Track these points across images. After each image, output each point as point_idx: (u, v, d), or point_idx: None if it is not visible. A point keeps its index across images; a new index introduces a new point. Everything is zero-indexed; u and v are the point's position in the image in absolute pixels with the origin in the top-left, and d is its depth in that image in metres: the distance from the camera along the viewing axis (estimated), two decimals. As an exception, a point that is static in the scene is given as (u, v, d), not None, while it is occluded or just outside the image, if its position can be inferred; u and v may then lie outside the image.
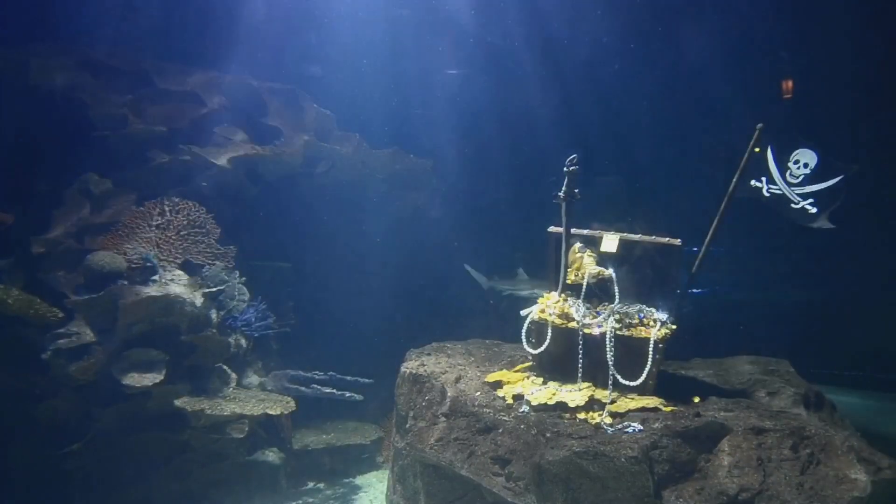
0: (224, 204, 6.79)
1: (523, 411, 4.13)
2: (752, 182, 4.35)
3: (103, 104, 6.42)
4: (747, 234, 7.10)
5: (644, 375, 4.09)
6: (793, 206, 4.31)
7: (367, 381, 6.35)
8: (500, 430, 4.05)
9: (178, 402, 5.55)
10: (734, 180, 4.33)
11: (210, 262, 6.34)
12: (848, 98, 6.97)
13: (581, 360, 4.24)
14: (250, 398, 5.97)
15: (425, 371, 4.80)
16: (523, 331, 4.51)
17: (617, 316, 4.22)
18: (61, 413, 5.48)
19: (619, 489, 3.54)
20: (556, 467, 3.67)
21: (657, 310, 4.29)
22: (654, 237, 4.39)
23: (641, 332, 4.18)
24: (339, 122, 7.78)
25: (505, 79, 8.52)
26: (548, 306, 4.45)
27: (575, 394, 4.15)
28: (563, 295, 4.49)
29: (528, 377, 4.52)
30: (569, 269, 4.49)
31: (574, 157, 4.25)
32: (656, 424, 3.76)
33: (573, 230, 4.50)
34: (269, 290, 6.79)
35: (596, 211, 4.83)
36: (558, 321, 4.34)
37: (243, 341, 6.28)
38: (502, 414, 4.14)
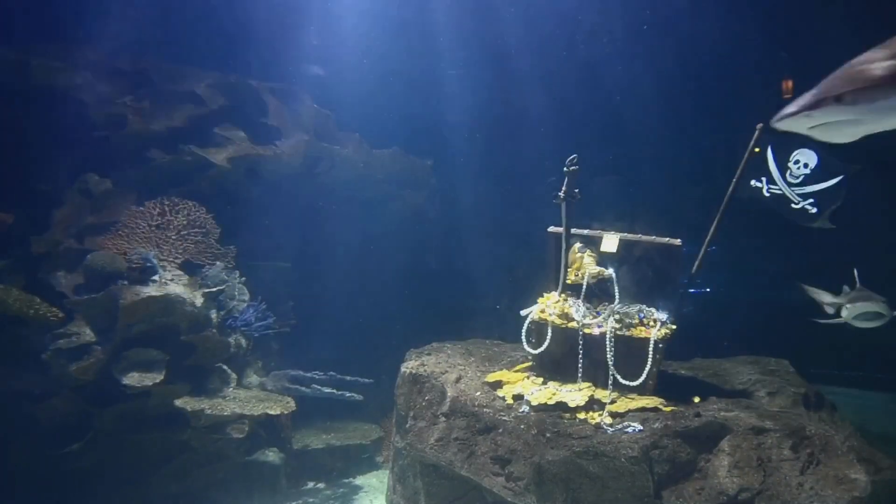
0: (224, 204, 6.79)
1: (523, 411, 4.13)
2: (752, 182, 4.35)
3: (103, 104, 6.43)
4: (746, 234, 7.09)
5: (644, 375, 4.09)
6: (793, 206, 4.31)
7: (367, 381, 6.35)
8: (500, 430, 4.05)
9: (178, 402, 5.55)
10: (734, 180, 4.33)
11: (210, 262, 6.34)
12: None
13: (581, 360, 4.24)
14: (250, 398, 5.97)
15: (425, 371, 4.80)
16: (523, 331, 4.51)
17: (617, 316, 4.22)
18: (61, 413, 5.48)
19: (619, 489, 3.54)
20: (556, 467, 3.67)
21: (657, 310, 4.29)
22: (654, 237, 4.40)
23: (641, 332, 4.18)
24: (339, 122, 7.78)
25: (505, 79, 8.52)
26: (548, 306, 4.45)
27: (575, 394, 4.15)
28: (563, 295, 4.49)
29: (528, 377, 4.52)
30: (569, 269, 4.49)
31: (574, 158, 4.26)
32: (656, 424, 3.76)
33: (573, 230, 4.50)
34: (269, 290, 6.78)
35: (596, 211, 4.83)
36: (558, 321, 4.34)
37: (243, 341, 6.28)
38: (502, 414, 4.14)
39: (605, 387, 4.16)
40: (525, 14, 8.06)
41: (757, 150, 4.28)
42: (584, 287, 4.37)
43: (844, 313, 5.07)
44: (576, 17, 7.95)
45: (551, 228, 4.64)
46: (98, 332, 5.48)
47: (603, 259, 4.46)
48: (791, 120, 3.04)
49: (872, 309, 4.90)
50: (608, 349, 4.13)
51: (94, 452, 5.47)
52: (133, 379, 5.35)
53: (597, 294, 4.42)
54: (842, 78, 3.00)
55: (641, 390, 4.13)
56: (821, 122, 2.98)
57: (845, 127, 3.02)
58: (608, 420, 3.90)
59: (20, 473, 5.42)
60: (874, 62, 3.02)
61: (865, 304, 4.94)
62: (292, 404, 6.02)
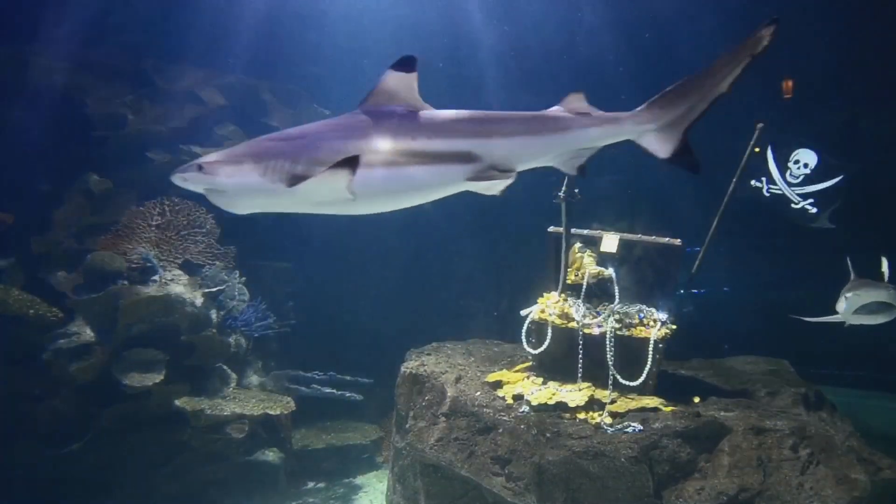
0: (224, 204, 6.79)
1: (523, 411, 4.13)
2: (752, 182, 4.36)
3: (103, 104, 6.43)
4: (746, 234, 7.09)
5: (644, 375, 4.09)
6: (793, 206, 4.31)
7: (366, 381, 6.35)
8: (500, 430, 4.05)
9: (178, 402, 5.55)
10: (734, 180, 4.34)
11: (210, 262, 6.35)
12: (847, 98, 6.96)
13: (581, 360, 4.24)
14: (250, 398, 5.97)
15: (425, 371, 4.80)
16: (523, 331, 4.51)
17: (617, 316, 4.22)
18: (61, 413, 5.48)
19: (619, 489, 3.54)
20: (556, 467, 3.67)
21: (657, 310, 4.29)
22: (654, 237, 4.40)
23: (641, 332, 4.17)
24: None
25: (505, 77, 8.52)
26: (548, 306, 4.45)
27: (575, 394, 4.14)
28: (563, 295, 4.49)
29: (528, 377, 4.52)
30: (569, 269, 4.49)
31: (574, 157, 4.25)
32: (656, 424, 3.76)
33: (573, 230, 4.50)
34: (269, 290, 6.78)
35: (596, 211, 4.83)
36: (558, 321, 4.33)
37: (243, 341, 6.28)
38: (502, 414, 4.13)
39: (605, 387, 4.16)
40: (525, 12, 8.05)
41: (757, 150, 4.29)
42: (584, 287, 4.37)
43: (842, 306, 4.05)
44: (576, 17, 7.95)
45: (551, 228, 4.64)
46: (98, 332, 5.49)
47: (603, 259, 4.46)
48: (174, 179, 2.96)
49: (879, 298, 3.78)
50: (608, 349, 4.13)
51: (94, 452, 5.47)
52: (133, 379, 5.36)
53: (597, 294, 4.42)
54: (241, 146, 3.02)
55: (641, 390, 4.13)
56: (198, 187, 2.92)
57: (227, 198, 2.94)
58: (608, 420, 3.90)
59: (20, 473, 5.43)
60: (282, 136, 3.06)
61: (869, 293, 3.81)
62: (292, 404, 6.02)
